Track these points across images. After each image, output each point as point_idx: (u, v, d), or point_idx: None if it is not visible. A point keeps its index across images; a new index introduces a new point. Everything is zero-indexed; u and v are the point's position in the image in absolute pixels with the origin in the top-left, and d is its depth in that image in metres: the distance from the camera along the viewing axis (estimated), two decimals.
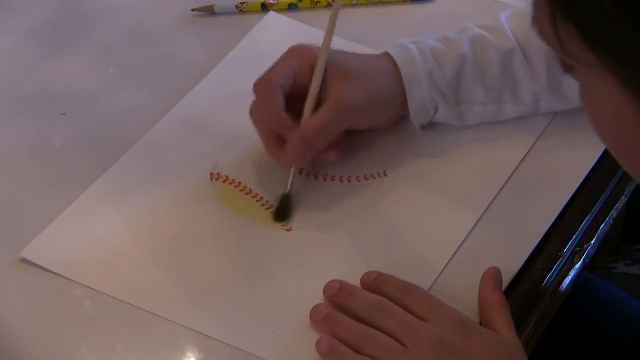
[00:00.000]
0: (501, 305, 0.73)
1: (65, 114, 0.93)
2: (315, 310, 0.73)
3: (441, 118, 0.86)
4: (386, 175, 0.85)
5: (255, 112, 0.82)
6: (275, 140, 0.81)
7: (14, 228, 0.82)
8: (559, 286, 0.78)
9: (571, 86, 0.82)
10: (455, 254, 0.79)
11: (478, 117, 0.87)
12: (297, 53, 0.82)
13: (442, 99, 0.84)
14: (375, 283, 0.75)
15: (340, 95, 0.80)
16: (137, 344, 0.74)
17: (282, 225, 0.81)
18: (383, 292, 0.73)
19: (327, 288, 0.75)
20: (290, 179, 0.81)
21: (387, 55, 0.84)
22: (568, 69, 0.59)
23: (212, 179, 0.85)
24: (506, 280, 0.77)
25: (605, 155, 0.86)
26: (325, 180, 0.85)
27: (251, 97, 0.83)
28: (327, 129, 0.80)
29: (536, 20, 0.57)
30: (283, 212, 0.82)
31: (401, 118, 0.86)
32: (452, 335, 0.70)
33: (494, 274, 0.75)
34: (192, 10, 1.02)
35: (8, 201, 0.85)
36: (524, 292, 0.77)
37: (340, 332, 0.72)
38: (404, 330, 0.70)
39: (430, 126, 0.88)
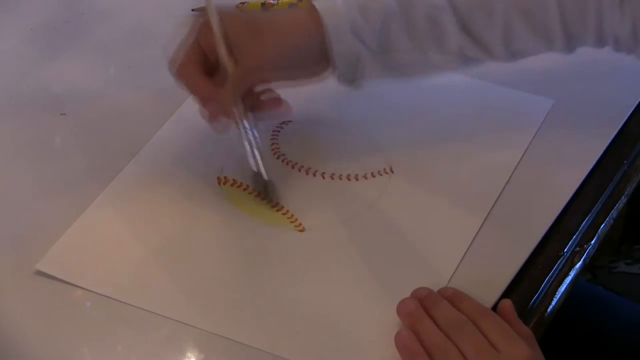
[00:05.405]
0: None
1: (65, 114, 0.93)
2: (403, 303, 0.73)
3: (370, 72, 0.83)
4: (392, 172, 0.85)
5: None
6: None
7: (14, 232, 0.82)
8: (559, 286, 0.78)
9: (492, 40, 0.81)
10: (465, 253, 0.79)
11: (407, 68, 0.83)
12: (199, 28, 0.81)
13: (365, 49, 0.81)
14: (452, 299, 0.74)
15: (245, 54, 0.79)
16: (137, 344, 0.74)
17: (295, 226, 0.81)
18: (459, 309, 0.72)
19: (415, 293, 0.74)
20: (261, 166, 0.82)
21: (309, 6, 0.81)
22: None
23: (219, 183, 0.85)
24: (506, 280, 0.77)
25: (606, 154, 0.86)
26: (332, 179, 0.85)
27: None
28: (235, 90, 0.80)
29: None
30: (270, 196, 0.83)
31: (324, 71, 0.83)
32: None
33: (509, 308, 0.74)
34: (192, 10, 1.02)
35: (8, 202, 0.85)
36: (524, 292, 0.77)
37: (420, 332, 0.71)
38: (477, 355, 0.69)
39: (432, 120, 0.89)
